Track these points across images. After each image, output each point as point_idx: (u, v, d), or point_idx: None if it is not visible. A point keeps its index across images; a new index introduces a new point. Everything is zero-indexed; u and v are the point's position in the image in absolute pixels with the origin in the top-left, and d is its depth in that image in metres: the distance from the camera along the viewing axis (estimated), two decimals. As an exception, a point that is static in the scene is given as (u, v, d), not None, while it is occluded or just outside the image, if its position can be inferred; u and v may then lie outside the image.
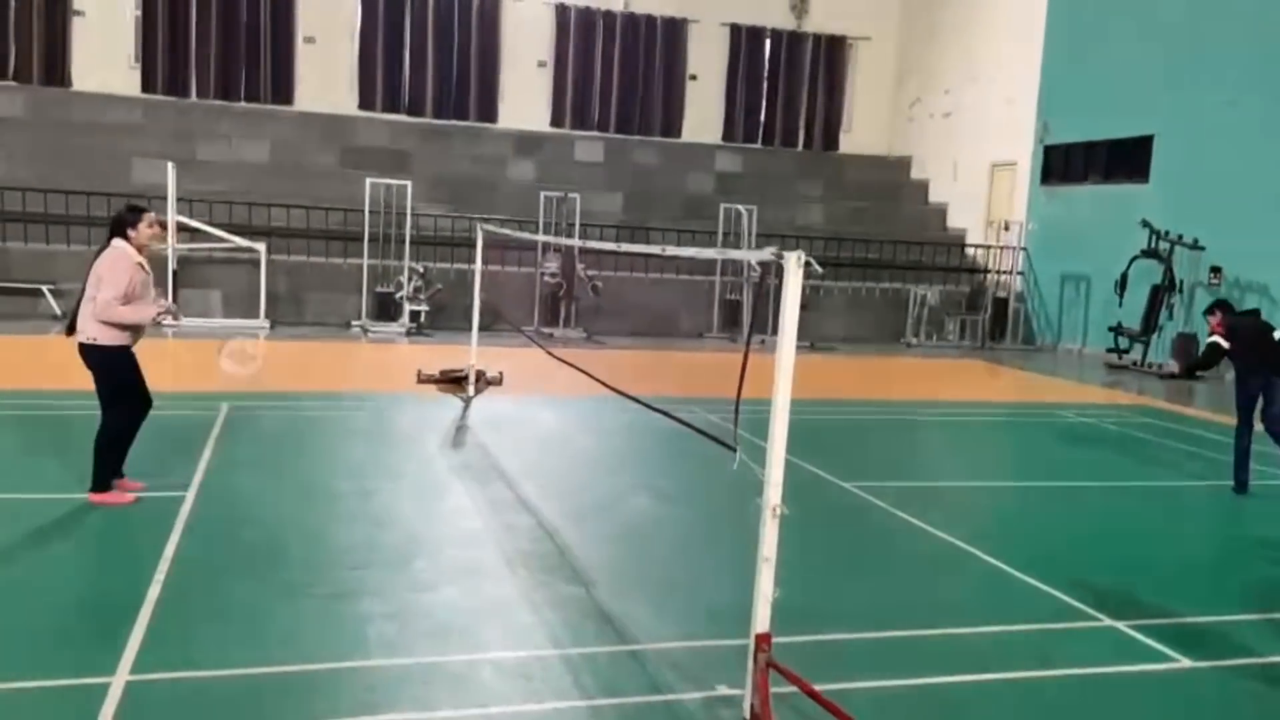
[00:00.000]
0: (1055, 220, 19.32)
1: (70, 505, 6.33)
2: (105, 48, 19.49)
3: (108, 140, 18.32)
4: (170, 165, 15.50)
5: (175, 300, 15.27)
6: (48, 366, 11.74)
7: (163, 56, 19.78)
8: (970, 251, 21.07)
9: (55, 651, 4.31)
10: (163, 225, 6.32)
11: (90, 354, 6.16)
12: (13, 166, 17.09)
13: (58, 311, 15.16)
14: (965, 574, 6.15)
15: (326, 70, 20.65)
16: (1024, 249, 19.88)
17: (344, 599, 5.06)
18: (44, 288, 15.28)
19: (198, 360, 12.92)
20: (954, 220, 22.10)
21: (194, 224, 15.62)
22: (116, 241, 6.19)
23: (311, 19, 20.51)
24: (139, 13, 19.65)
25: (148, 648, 4.37)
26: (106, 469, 6.33)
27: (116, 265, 6.09)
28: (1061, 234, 19.11)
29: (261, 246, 15.75)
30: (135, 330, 6.28)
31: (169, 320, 6.45)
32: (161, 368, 12.47)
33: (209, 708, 3.95)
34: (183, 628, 4.63)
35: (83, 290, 6.16)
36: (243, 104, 20.21)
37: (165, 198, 15.35)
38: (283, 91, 20.45)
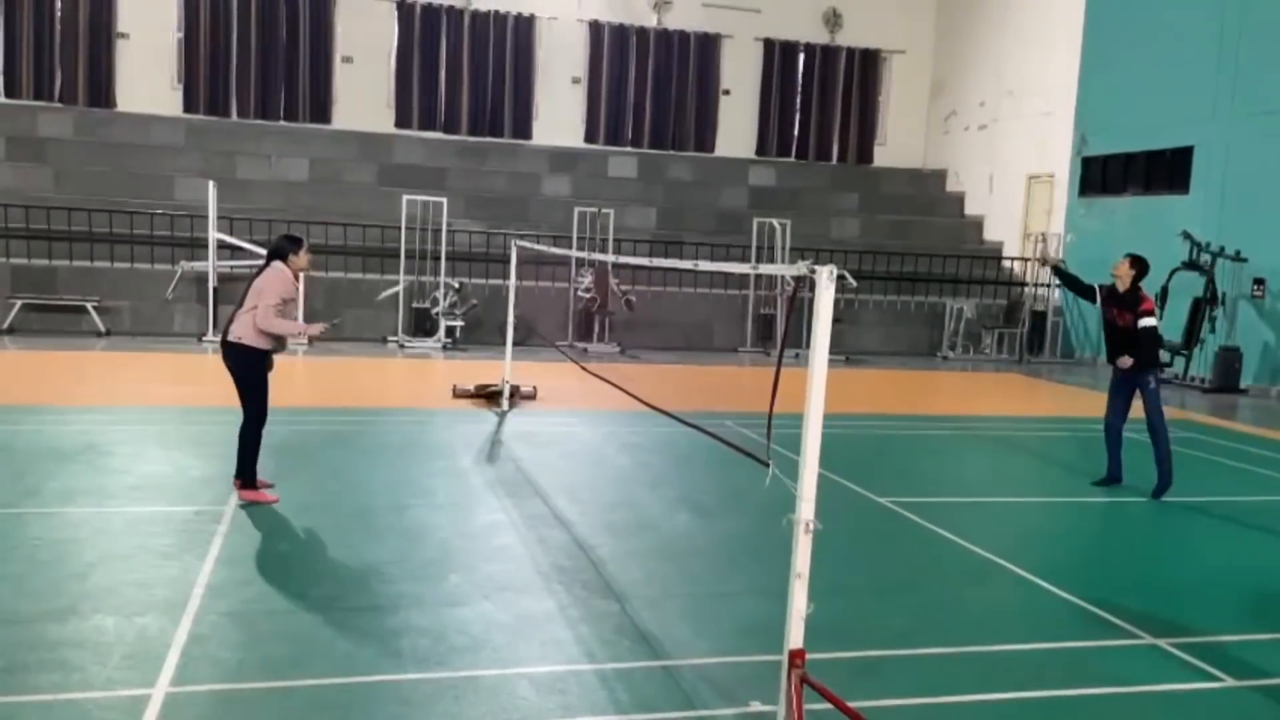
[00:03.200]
0: (1093, 232, 19.11)
1: (122, 517, 6.44)
2: (148, 69, 19.88)
3: (151, 160, 18.69)
4: (211, 184, 15.76)
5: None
6: (81, 379, 11.97)
7: (204, 77, 20.15)
8: (1007, 264, 20.89)
9: (98, 664, 4.38)
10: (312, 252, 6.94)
11: (232, 352, 6.76)
12: (60, 185, 17.47)
13: (101, 328, 15.44)
14: (1002, 590, 6.08)
15: (364, 89, 20.93)
16: (1062, 261, 19.64)
17: (378, 612, 5.10)
18: (88, 304, 15.58)
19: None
20: (990, 233, 21.93)
21: (234, 241, 15.85)
22: (276, 264, 6.86)
23: (349, 39, 20.81)
24: (181, 35, 20.04)
25: (187, 659, 4.43)
26: (253, 462, 6.89)
27: (277, 279, 6.77)
28: (1100, 246, 18.85)
29: (300, 263, 15.93)
30: (279, 340, 6.93)
31: (321, 330, 7.23)
32: (200, 385, 12.67)
33: (243, 719, 4.00)
34: (220, 640, 4.69)
35: (240, 302, 6.81)
36: (282, 123, 20.52)
37: (206, 216, 15.62)
38: (321, 110, 20.75)
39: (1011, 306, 19.66)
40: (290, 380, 13.26)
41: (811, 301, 3.79)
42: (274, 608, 5.13)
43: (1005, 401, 14.53)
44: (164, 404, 10.50)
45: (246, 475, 6.90)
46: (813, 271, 3.74)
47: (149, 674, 4.26)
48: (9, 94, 19.17)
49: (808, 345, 3.81)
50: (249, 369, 6.80)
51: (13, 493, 6.74)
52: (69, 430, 8.82)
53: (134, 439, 8.77)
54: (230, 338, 6.76)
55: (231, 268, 15.99)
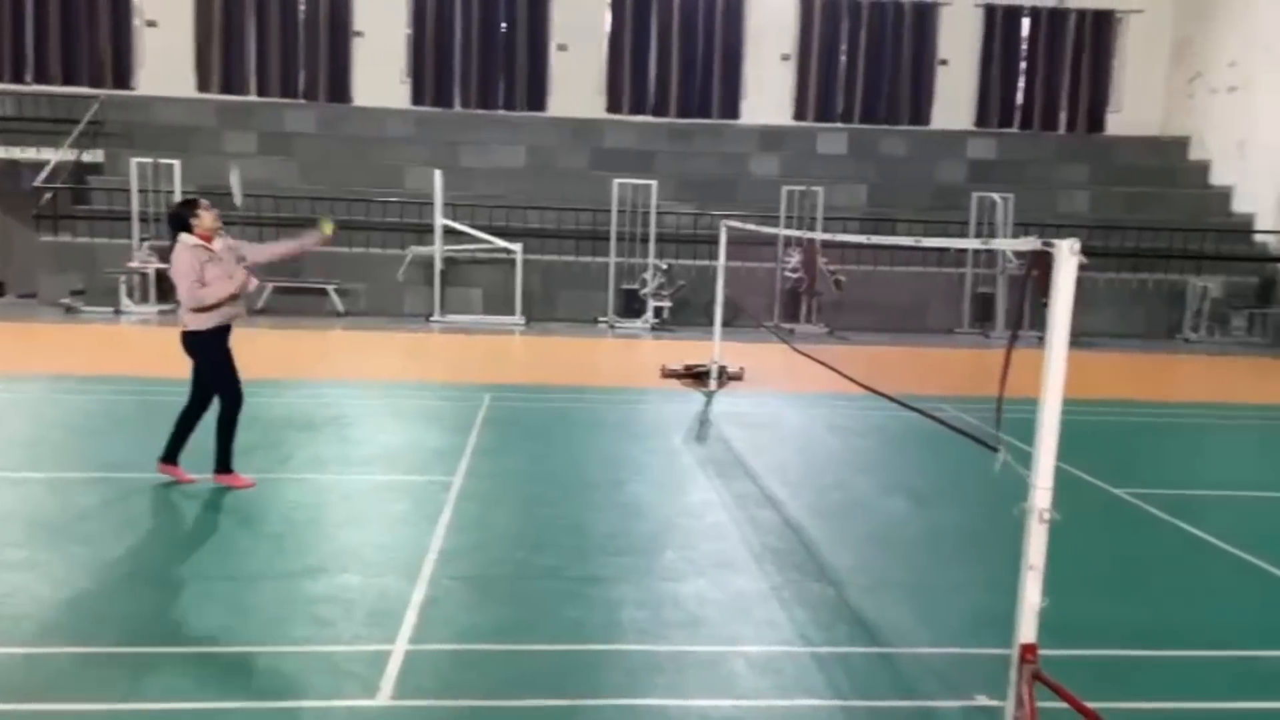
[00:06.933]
0: (1366, 201, 17.13)
1: (364, 484, 6.95)
2: (381, 65, 21.14)
3: (384, 151, 19.90)
4: (437, 173, 16.63)
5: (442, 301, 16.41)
6: (324, 356, 12.93)
7: (431, 71, 21.23)
8: (1260, 238, 19.06)
9: (345, 619, 4.74)
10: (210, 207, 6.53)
11: (184, 341, 6.54)
12: (305, 177, 18.90)
13: (340, 309, 16.61)
14: (1255, 591, 5.58)
15: (577, 76, 21.45)
16: (1326, 234, 17.78)
17: (598, 584, 5.26)
18: (329, 286, 16.80)
19: (462, 355, 13.80)
20: (1239, 204, 20.06)
21: (458, 226, 16.67)
22: (180, 238, 6.44)
23: (564, 26, 21.37)
24: (410, 31, 21.19)
25: (424, 619, 4.72)
26: (229, 447, 6.68)
27: (182, 257, 6.37)
28: (1374, 216, 16.93)
29: (518, 247, 16.59)
30: (231, 305, 6.51)
31: (252, 286, 6.64)
32: (429, 362, 13.39)
33: (478, 678, 4.21)
34: (454, 602, 4.96)
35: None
36: (501, 112, 21.35)
37: (432, 203, 16.49)
38: (537, 98, 21.43)
39: (1265, 284, 17.94)
40: (510, 358, 13.84)
41: (1040, 281, 3.58)
42: (502, 573, 5.38)
43: (1259, 388, 13.30)
44: (397, 379, 11.19)
45: (224, 463, 6.69)
46: (1049, 245, 3.54)
47: (390, 631, 4.57)
48: (260, 92, 20.89)
49: (1031, 327, 3.62)
50: (200, 353, 6.53)
51: (269, 459, 7.37)
52: (316, 403, 9.55)
53: (372, 412, 9.40)
54: (181, 329, 6.55)
55: (456, 251, 16.82)
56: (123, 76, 20.55)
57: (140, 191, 16.67)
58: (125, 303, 16.06)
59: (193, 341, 6.54)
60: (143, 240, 16.47)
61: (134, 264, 16.17)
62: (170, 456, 6.76)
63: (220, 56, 20.70)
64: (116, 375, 10.82)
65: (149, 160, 16.83)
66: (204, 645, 4.42)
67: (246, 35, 20.73)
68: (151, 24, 20.60)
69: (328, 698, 3.99)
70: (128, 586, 5.08)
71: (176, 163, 16.75)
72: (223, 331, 6.58)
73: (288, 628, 4.64)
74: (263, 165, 18.76)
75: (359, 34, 21.06)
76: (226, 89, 20.74)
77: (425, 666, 4.28)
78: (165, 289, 16.61)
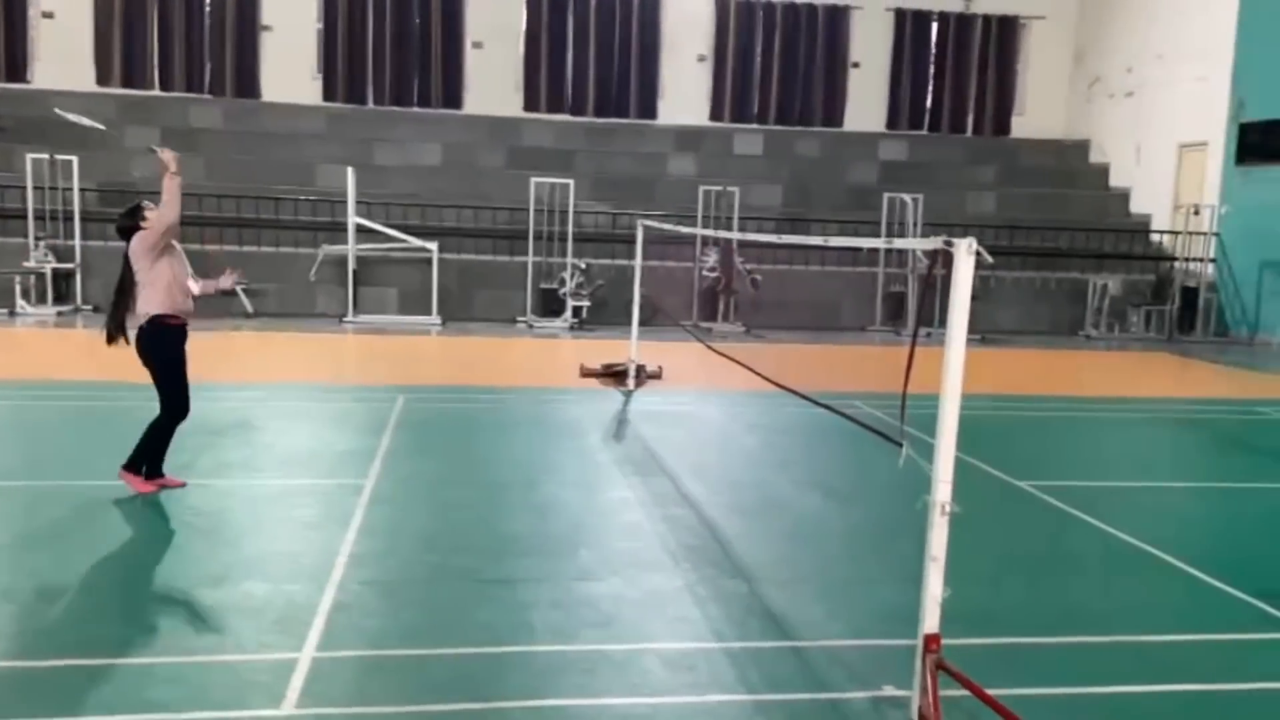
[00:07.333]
0: (1253, 203, 17.93)
1: (270, 489, 6.77)
2: (291, 60, 20.67)
3: (294, 148, 19.46)
4: (350, 170, 16.33)
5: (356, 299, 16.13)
6: (231, 358, 12.61)
7: (343, 67, 20.84)
8: (1156, 238, 19.83)
9: (249, 627, 4.61)
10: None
11: (143, 337, 6.39)
12: (211, 174, 18.38)
13: (249, 309, 16.20)
14: (1149, 578, 5.80)
15: (494, 73, 21.27)
16: (1216, 234, 18.56)
17: (511, 585, 5.21)
18: (237, 286, 16.34)
19: (375, 356, 13.58)
20: (1137, 205, 20.84)
21: (372, 225, 16.39)
22: (135, 236, 6.39)
23: (480, 24, 21.17)
24: (321, 26, 20.77)
25: (332, 625, 4.62)
26: (162, 453, 6.61)
27: (136, 238, 6.33)
28: (1260, 217, 17.72)
29: (434, 246, 16.38)
30: (183, 308, 6.47)
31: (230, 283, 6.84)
32: (341, 363, 13.15)
33: (387, 684, 4.14)
34: (363, 608, 4.87)
35: (130, 289, 6.44)
36: (416, 109, 21.06)
37: (345, 201, 16.19)
38: (453, 96, 21.20)
39: (1160, 282, 18.66)
40: (426, 359, 13.67)
41: (945, 279, 3.67)
42: (413, 577, 5.30)
43: (1154, 382, 13.83)
44: (308, 381, 10.96)
45: (154, 467, 6.57)
46: (950, 245, 3.62)
47: (297, 639, 4.46)
48: (163, 87, 20.25)
49: (941, 324, 3.70)
50: (161, 352, 6.39)
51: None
52: (221, 407, 9.27)
53: (281, 415, 9.18)
54: (142, 323, 6.33)
55: (369, 250, 16.54)
56: (17, 69, 19.73)
57: (36, 189, 16.04)
58: (21, 304, 15.44)
59: (153, 339, 6.35)
60: (38, 239, 15.84)
61: (30, 264, 15.55)
62: (133, 466, 6.55)
63: (121, 49, 20.02)
64: (10, 380, 10.38)
65: (45, 156, 16.20)
66: (99, 658, 4.25)
67: (149, 27, 20.08)
68: (48, 15, 19.81)
69: (231, 709, 3.88)
70: (13, 600, 4.87)
71: (74, 159, 16.15)
72: (183, 331, 6.49)
73: (189, 638, 4.51)
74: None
75: (267, 28, 20.56)
76: (128, 83, 20.07)
77: (333, 674, 4.19)
78: (62, 290, 16.04)
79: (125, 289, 6.52)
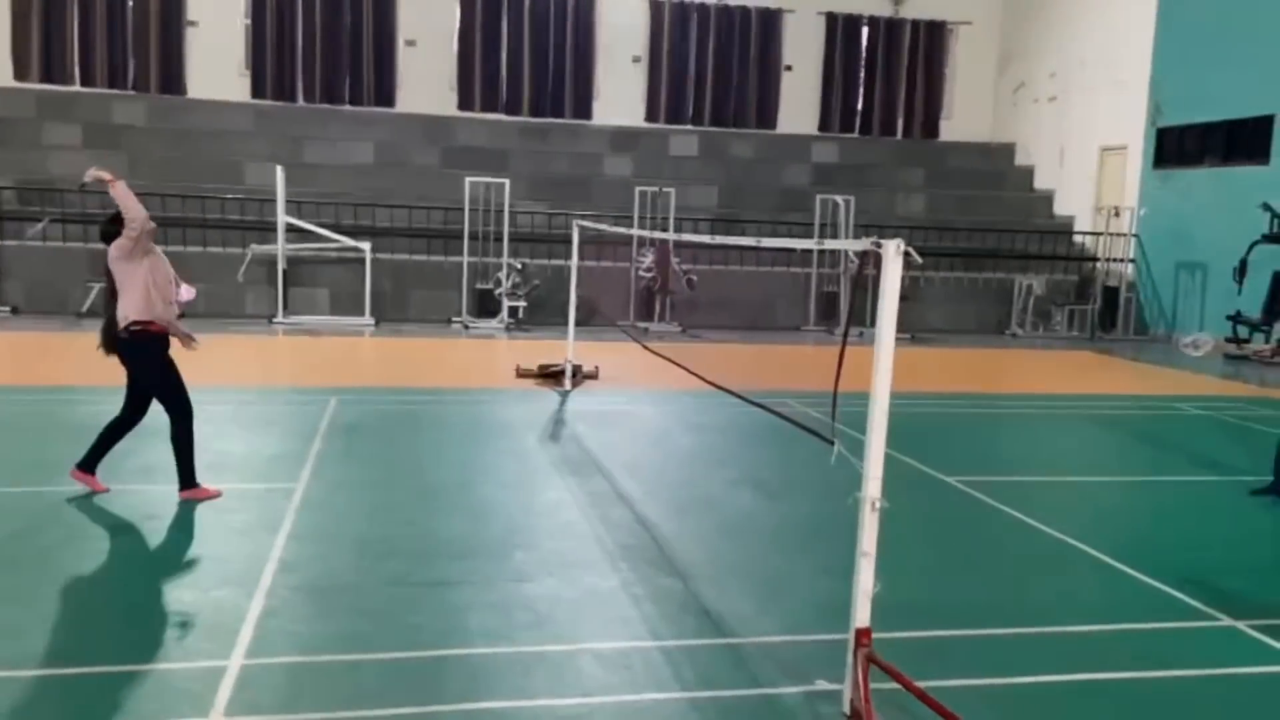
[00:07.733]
0: (1169, 205, 18.54)
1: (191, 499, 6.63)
2: (218, 56, 20.24)
3: (221, 145, 19.07)
4: (279, 168, 16.04)
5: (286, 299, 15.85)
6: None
7: (271, 63, 20.47)
8: (1078, 239, 20.39)
9: (177, 635, 4.52)
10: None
11: (127, 348, 6.35)
12: (135, 172, 17.90)
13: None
14: (1074, 570, 5.96)
15: (427, 72, 21.07)
16: (1136, 235, 19.15)
17: (444, 588, 5.18)
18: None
19: (306, 358, 13.37)
20: (1061, 207, 21.42)
21: (302, 224, 16.13)
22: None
23: (412, 22, 20.96)
24: (248, 21, 20.37)
25: (261, 632, 4.54)
26: (191, 460, 6.55)
27: (115, 244, 6.30)
28: (1176, 219, 18.33)
29: (367, 246, 16.18)
30: (162, 316, 6.37)
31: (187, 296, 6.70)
32: (273, 363, 12.94)
33: (317, 691, 4.08)
34: (292, 614, 4.80)
35: (111, 296, 6.38)
36: (347, 107, 20.77)
37: (274, 199, 15.91)
38: (386, 94, 20.95)
39: (1083, 282, 19.20)
40: (359, 360, 13.49)
41: (877, 279, 3.74)
42: (345, 583, 5.23)
43: (1077, 379, 14.21)
44: (237, 384, 10.74)
45: (188, 478, 6.50)
46: (878, 246, 3.69)
47: (225, 646, 4.38)
48: (85, 83, 19.69)
49: (872, 323, 3.77)
50: (145, 361, 6.35)
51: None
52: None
53: (208, 419, 8.94)
54: (120, 334, 6.25)
55: (299, 250, 16.28)
56: (-72, 62, 19.06)
57: (-52, 186, 15.50)
58: (-68, 306, 14.90)
59: (135, 353, 6.28)
60: (-48, 238, 15.31)
61: (-58, 264, 15.01)
62: (89, 465, 6.49)
63: (40, 43, 19.42)
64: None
65: (-42, 152, 15.66)
66: (20, 670, 4.12)
67: (68, 21, 19.52)
68: (-40, 7, 19.17)
69: (157, 718, 3.80)
70: (-70, 611, 4.71)
71: (-10, 155, 15.64)
72: (165, 339, 6.38)
73: (114, 647, 4.39)
74: (88, 159, 17.64)
75: (193, 23, 20.12)
76: (47, 78, 19.48)
77: (262, 681, 4.12)
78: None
79: (114, 297, 6.44)
